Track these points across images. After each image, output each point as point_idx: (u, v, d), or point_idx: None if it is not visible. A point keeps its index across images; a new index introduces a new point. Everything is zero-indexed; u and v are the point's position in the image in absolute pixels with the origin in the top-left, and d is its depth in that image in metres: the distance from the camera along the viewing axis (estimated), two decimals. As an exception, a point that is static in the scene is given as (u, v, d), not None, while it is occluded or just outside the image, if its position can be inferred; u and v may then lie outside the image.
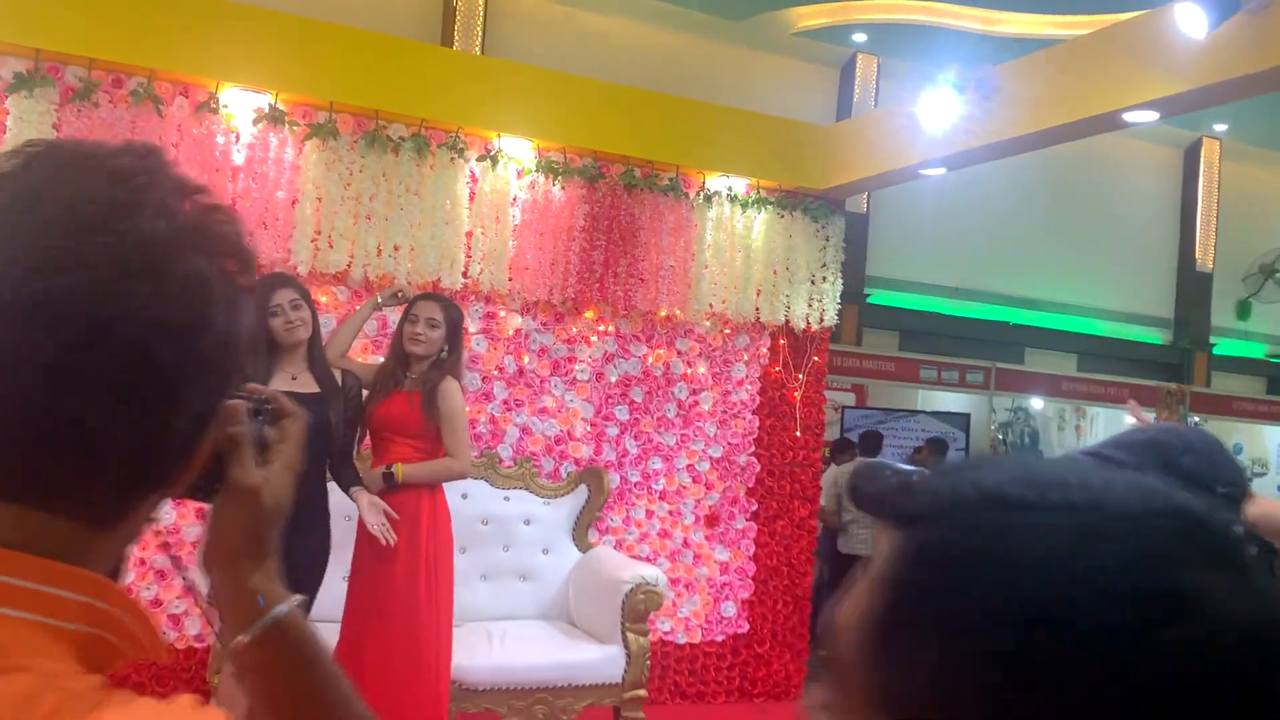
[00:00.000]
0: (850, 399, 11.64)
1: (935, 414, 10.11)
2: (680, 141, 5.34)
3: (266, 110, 4.53)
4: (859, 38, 11.62)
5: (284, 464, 0.94)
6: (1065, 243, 13.43)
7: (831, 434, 11.01)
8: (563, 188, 5.04)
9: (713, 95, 10.77)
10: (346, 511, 3.77)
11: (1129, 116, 4.01)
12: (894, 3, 11.12)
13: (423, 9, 10.06)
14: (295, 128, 4.59)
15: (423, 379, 3.73)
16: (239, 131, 4.52)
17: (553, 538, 4.74)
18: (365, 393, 3.77)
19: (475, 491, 4.66)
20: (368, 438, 3.82)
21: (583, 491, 4.84)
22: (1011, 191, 13.07)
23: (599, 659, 4.15)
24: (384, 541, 3.49)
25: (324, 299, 4.71)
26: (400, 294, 3.96)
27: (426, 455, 3.71)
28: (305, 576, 3.55)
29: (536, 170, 5.00)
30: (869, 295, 12.60)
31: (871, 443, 7.75)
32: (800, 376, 5.69)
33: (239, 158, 4.51)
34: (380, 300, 4.02)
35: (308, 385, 3.57)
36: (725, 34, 11.66)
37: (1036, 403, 11.42)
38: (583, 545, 4.79)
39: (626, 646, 4.17)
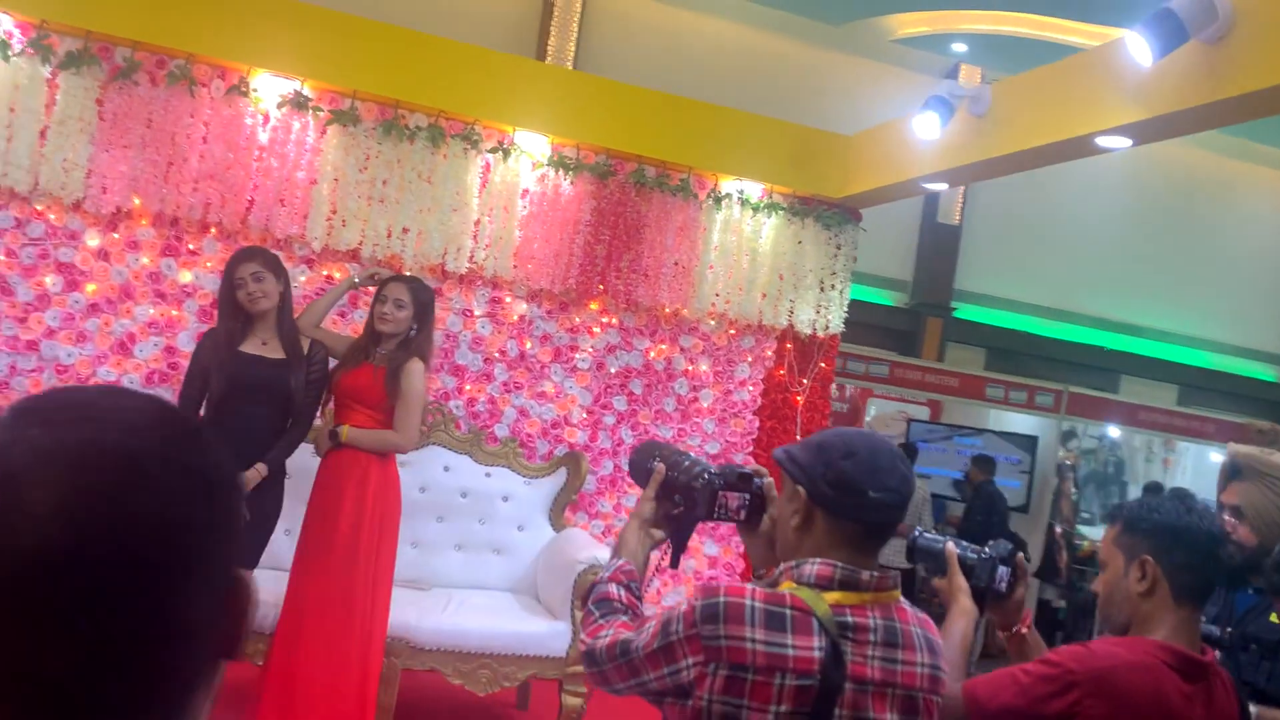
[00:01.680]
0: (925, 413, 11.50)
1: (1001, 434, 9.92)
2: (697, 144, 5.48)
3: (291, 95, 4.87)
4: (959, 47, 11.45)
5: None
6: (1172, 267, 12.91)
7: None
8: (572, 182, 5.25)
9: (810, 100, 10.83)
10: (307, 469, 4.08)
11: (1101, 141, 3.97)
12: (997, 14, 10.90)
13: (519, 20, 10.42)
14: (319, 113, 4.92)
15: (390, 356, 4.00)
16: (267, 114, 4.88)
17: (529, 516, 4.96)
18: (333, 362, 4.07)
19: (458, 465, 4.92)
20: (328, 403, 4.11)
21: (562, 474, 5.04)
22: (1116, 210, 12.64)
23: (545, 632, 4.35)
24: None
25: (337, 274, 5.04)
26: (375, 275, 4.24)
27: (381, 425, 3.98)
28: (257, 528, 3.87)
29: (548, 165, 5.22)
30: (955, 309, 12.40)
31: (906, 455, 7.69)
32: (804, 381, 5.76)
33: (264, 138, 4.87)
34: (357, 280, 4.31)
35: (275, 351, 3.89)
36: (825, 39, 11.65)
37: (1114, 431, 11.05)
38: (558, 525, 5.00)
39: (574, 623, 4.36)
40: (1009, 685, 1.98)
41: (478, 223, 5.14)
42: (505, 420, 5.32)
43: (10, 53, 4.54)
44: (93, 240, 4.78)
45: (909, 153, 5.03)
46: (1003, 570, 2.26)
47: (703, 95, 6.24)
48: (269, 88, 4.89)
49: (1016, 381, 9.95)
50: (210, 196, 4.78)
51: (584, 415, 5.44)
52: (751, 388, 5.70)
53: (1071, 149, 4.13)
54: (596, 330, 5.46)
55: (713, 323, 5.61)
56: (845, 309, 5.74)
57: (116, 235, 4.81)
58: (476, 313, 5.27)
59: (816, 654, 1.62)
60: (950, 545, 2.32)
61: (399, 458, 4.76)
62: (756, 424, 5.71)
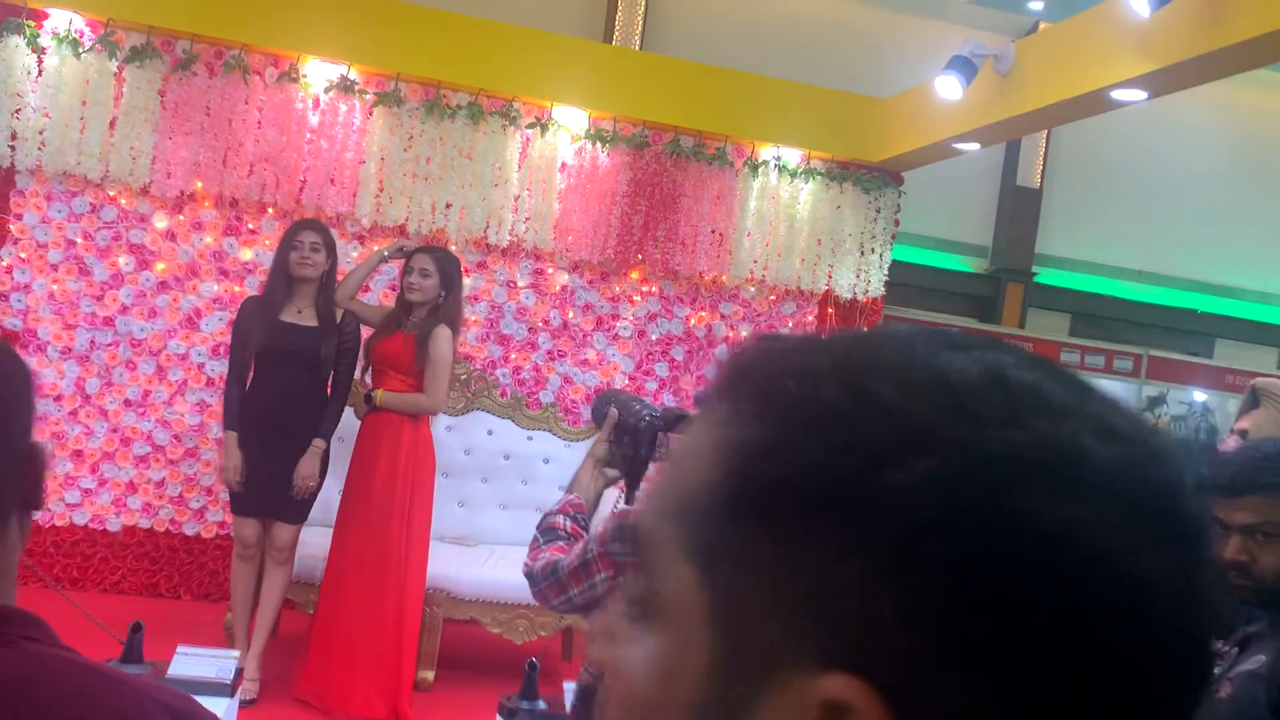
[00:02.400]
0: (1005, 380, 11.34)
1: (1078, 399, 9.75)
2: (735, 113, 5.57)
3: (337, 80, 5.13)
4: (1035, 5, 11.19)
5: None
6: (1270, 225, 12.42)
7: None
8: (608, 154, 5.39)
9: (889, 66, 10.73)
10: (343, 433, 4.34)
11: (1117, 95, 3.95)
12: (1073, -31, 10.63)
13: (586, 5, 10.55)
14: (365, 96, 5.17)
15: (420, 323, 4.23)
16: (317, 98, 5.14)
17: (570, 477, 5.14)
18: (365, 331, 4.32)
19: (500, 430, 5.14)
20: (368, 370, 4.36)
21: (601, 437, 5.22)
22: (1207, 167, 12.21)
23: (579, 586, 4.54)
24: (298, 496, 4.11)
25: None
26: (403, 248, 4.46)
27: (413, 389, 4.21)
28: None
29: (585, 138, 5.37)
30: (1037, 274, 12.17)
31: None
32: (847, 345, 5.81)
33: (314, 121, 5.13)
34: (386, 254, 4.55)
35: (310, 319, 4.16)
36: (897, 3, 11.52)
37: (1199, 396, 10.76)
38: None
39: (606, 578, 4.54)
40: None
41: (517, 197, 5.33)
42: (550, 387, 5.52)
43: (81, 49, 4.89)
44: (161, 222, 5.13)
45: (940, 114, 5.04)
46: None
47: (774, 69, 6.19)
48: (318, 73, 5.15)
49: (1093, 346, 9.78)
50: (265, 178, 5.08)
51: (626, 382, 5.60)
52: (793, 352, 5.78)
53: (1088, 104, 4.11)
54: (637, 299, 5.61)
55: (752, 289, 5.70)
56: (885, 272, 5.77)
57: (182, 217, 5.15)
58: (520, 284, 5.47)
59: None
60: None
61: (444, 421, 5.02)
62: (799, 388, 5.80)
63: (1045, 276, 12.17)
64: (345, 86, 5.13)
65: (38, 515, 0.97)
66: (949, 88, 4.57)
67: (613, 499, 2.44)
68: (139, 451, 5.13)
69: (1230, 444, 3.05)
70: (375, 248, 5.28)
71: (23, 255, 5.00)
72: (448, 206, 5.24)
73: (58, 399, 5.03)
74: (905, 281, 11.04)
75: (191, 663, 2.50)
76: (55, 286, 5.03)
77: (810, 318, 5.81)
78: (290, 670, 4.27)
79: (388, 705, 4.09)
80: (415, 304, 4.24)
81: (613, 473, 2.27)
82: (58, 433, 5.03)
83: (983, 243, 12.18)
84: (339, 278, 4.35)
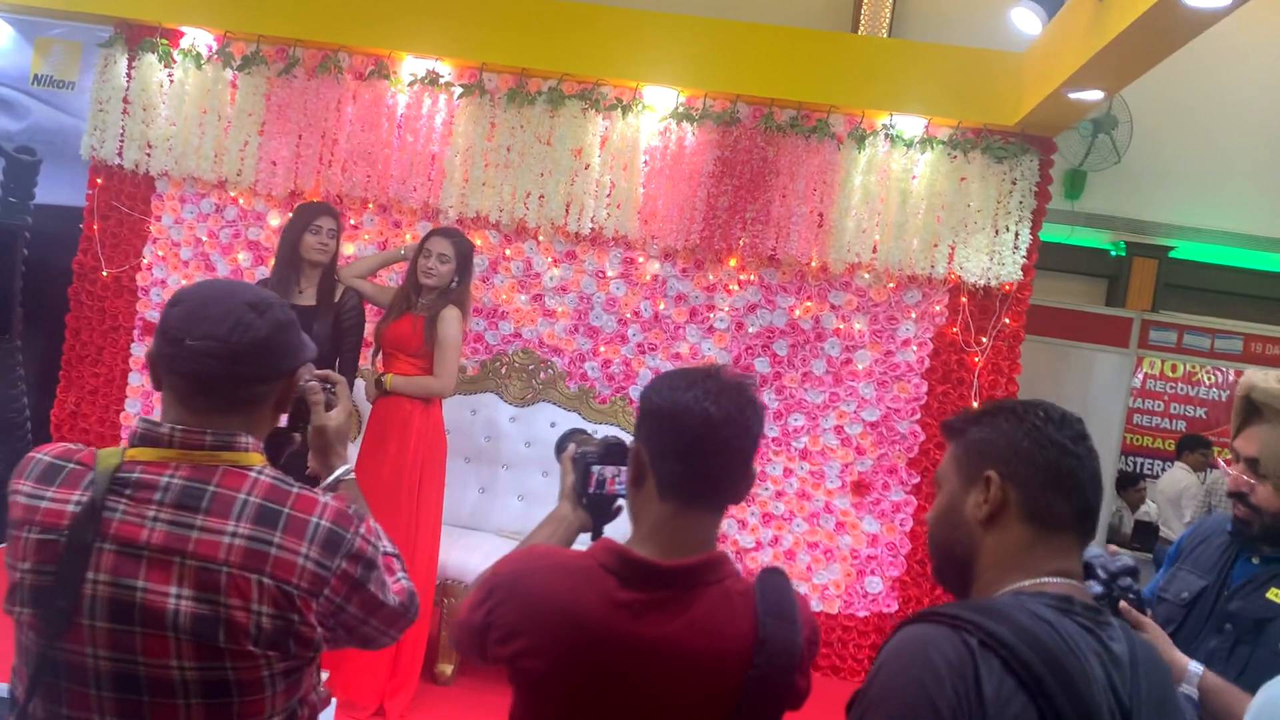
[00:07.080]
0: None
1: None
2: (842, 80, 5.01)
3: (424, 75, 5.17)
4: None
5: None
6: None
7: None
8: (694, 134, 5.04)
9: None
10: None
11: (1191, 2, 3.08)
12: None
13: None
14: (452, 89, 5.18)
15: (428, 305, 4.15)
16: (405, 92, 5.22)
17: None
18: (367, 309, 4.33)
19: (566, 422, 4.92)
20: (378, 354, 4.33)
21: (670, 434, 4.85)
22: None
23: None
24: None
25: (478, 242, 5.25)
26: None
27: (423, 372, 4.13)
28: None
29: (670, 117, 5.06)
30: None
31: (1190, 444, 6.52)
32: (984, 340, 5.04)
33: (401, 115, 5.21)
34: (404, 253, 4.54)
35: (309, 299, 4.21)
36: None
37: None
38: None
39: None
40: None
41: (598, 182, 5.11)
42: (641, 381, 5.22)
43: (202, 62, 5.30)
44: (274, 220, 5.42)
45: (1055, 62, 4.23)
46: (604, 470, 1.91)
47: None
48: (409, 69, 5.23)
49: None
50: (358, 175, 5.21)
51: (723, 377, 5.18)
52: (917, 348, 5.10)
53: (1166, 21, 3.25)
54: (734, 288, 5.18)
55: (867, 276, 5.09)
56: (1023, 254, 4.93)
57: (291, 214, 5.40)
58: (610, 274, 5.23)
59: (70, 508, 1.51)
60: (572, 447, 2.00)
61: (507, 413, 4.90)
62: (925, 388, 5.09)
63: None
64: (431, 80, 5.17)
65: None
66: (1027, 21, 3.80)
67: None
68: (254, 436, 5.42)
69: (1235, 474, 2.25)
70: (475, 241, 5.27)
71: (160, 253, 5.47)
72: (527, 195, 5.12)
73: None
74: (1206, 286, 9.55)
75: None
76: (185, 282, 5.45)
77: (939, 307, 5.09)
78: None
79: (378, 694, 4.01)
80: (427, 288, 4.18)
81: None
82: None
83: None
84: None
